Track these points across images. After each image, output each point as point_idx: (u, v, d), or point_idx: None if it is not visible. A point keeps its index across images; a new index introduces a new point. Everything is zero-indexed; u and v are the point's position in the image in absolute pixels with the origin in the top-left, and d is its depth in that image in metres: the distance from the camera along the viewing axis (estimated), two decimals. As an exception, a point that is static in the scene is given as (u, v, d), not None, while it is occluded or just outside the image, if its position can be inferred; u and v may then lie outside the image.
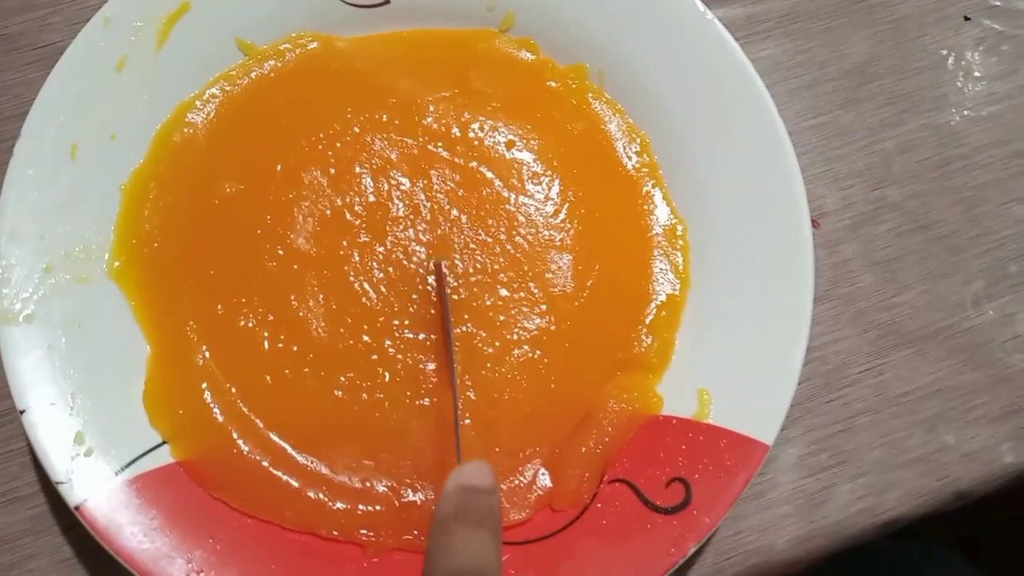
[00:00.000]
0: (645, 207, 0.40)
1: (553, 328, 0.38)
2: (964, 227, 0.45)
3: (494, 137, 0.40)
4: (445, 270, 0.37)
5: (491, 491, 0.29)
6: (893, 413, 0.42)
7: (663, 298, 0.39)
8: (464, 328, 0.38)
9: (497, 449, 0.37)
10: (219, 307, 0.38)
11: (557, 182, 0.40)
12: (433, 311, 0.38)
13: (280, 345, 0.37)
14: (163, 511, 0.35)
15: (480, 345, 0.38)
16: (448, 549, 0.27)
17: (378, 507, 0.36)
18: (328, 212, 0.39)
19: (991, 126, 0.47)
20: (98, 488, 0.34)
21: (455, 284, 0.39)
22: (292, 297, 0.38)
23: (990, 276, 0.44)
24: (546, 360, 0.38)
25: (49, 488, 0.39)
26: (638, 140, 0.41)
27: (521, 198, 0.40)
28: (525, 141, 0.41)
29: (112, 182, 0.38)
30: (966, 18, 0.48)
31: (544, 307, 0.38)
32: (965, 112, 0.47)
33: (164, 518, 0.35)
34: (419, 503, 0.36)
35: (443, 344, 0.37)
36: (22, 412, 0.35)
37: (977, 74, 0.48)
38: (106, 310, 0.37)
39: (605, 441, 0.36)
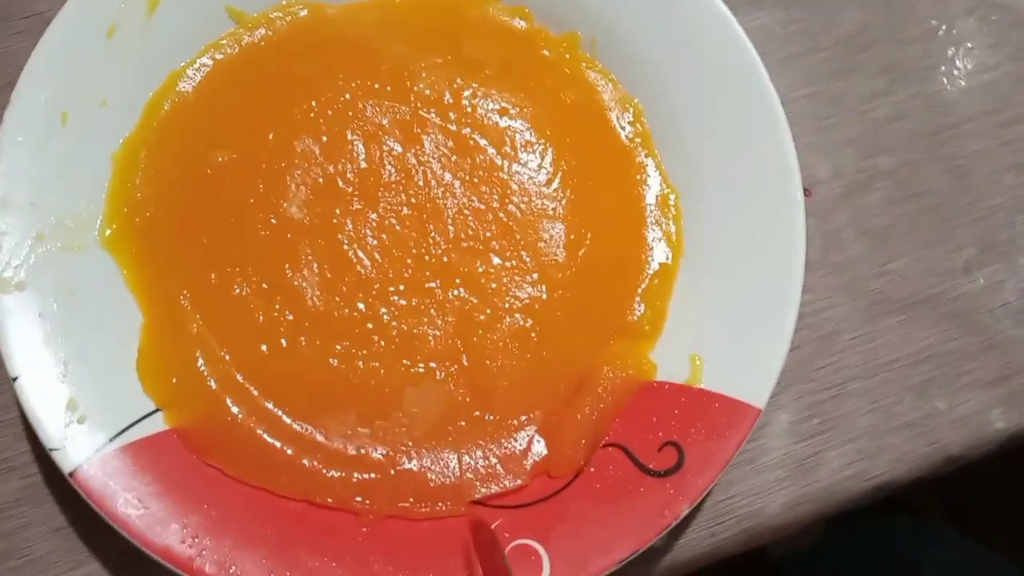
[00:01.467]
0: (638, 176, 0.40)
1: (545, 297, 0.38)
2: (955, 195, 0.45)
3: (487, 104, 0.40)
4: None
5: None
6: (884, 379, 0.43)
7: (656, 267, 0.39)
8: (456, 292, 0.38)
9: (489, 416, 0.37)
10: (212, 276, 0.38)
11: (550, 151, 0.40)
12: (428, 272, 0.38)
13: (275, 314, 0.37)
14: (157, 477, 0.35)
15: (472, 312, 0.38)
16: None
17: (373, 475, 0.36)
18: (321, 180, 0.39)
19: (981, 95, 0.47)
20: (92, 455, 0.34)
21: (446, 247, 0.39)
22: (286, 266, 0.38)
23: (980, 244, 0.45)
24: (538, 328, 0.38)
25: (43, 458, 0.39)
26: (631, 109, 0.41)
27: (514, 166, 0.40)
28: (518, 109, 0.41)
29: (103, 150, 0.38)
30: (957, -13, 0.48)
31: (536, 276, 0.38)
32: (956, 81, 0.47)
33: (159, 484, 0.35)
34: (414, 470, 0.36)
35: None
36: (14, 379, 0.35)
37: (968, 44, 0.48)
38: (98, 278, 0.37)
39: (600, 408, 0.36)
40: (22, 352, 0.35)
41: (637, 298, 0.39)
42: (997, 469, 0.46)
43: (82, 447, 0.34)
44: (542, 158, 0.40)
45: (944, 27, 0.48)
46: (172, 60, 0.39)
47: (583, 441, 0.36)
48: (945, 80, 0.47)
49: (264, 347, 0.37)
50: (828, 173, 0.45)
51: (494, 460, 0.36)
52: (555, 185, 0.40)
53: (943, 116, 0.46)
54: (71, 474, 0.34)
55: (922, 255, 0.44)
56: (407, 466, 0.36)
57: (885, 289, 0.44)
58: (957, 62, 0.47)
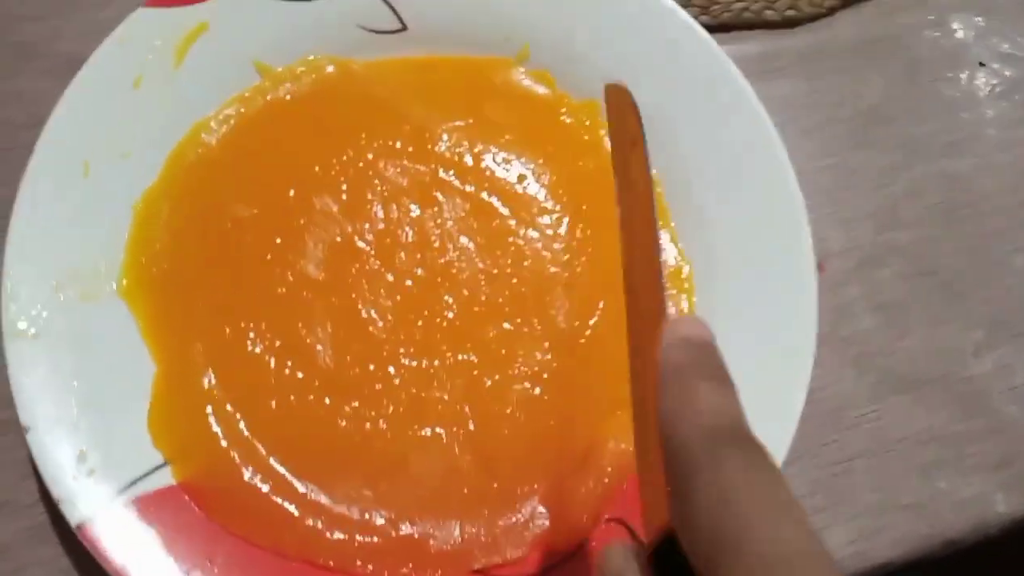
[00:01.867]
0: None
1: (555, 365, 0.38)
2: (968, 274, 0.45)
3: (506, 169, 0.41)
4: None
5: (715, 346, 0.25)
6: (889, 458, 0.43)
7: (667, 340, 0.39)
8: (465, 357, 0.39)
9: (496, 484, 0.37)
10: (227, 330, 0.38)
11: (566, 219, 0.40)
12: (439, 335, 0.39)
13: (286, 371, 0.38)
14: (164, 531, 0.35)
15: (481, 377, 0.38)
16: (694, 405, 0.23)
17: (375, 538, 0.36)
18: (338, 239, 0.39)
19: (1001, 173, 0.47)
20: (100, 508, 0.35)
21: (458, 310, 0.39)
22: (300, 324, 0.38)
23: (991, 325, 0.45)
24: (546, 397, 0.38)
25: (50, 498, 0.39)
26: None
27: (530, 232, 0.40)
28: (536, 175, 0.41)
29: (124, 200, 0.38)
30: (981, 64, 0.49)
31: (546, 344, 0.39)
32: (975, 158, 0.47)
33: (163, 538, 0.35)
34: (416, 536, 0.36)
35: None
36: (27, 430, 0.35)
37: (989, 120, 0.48)
38: (113, 329, 0.37)
39: (604, 483, 0.37)
40: (35, 402, 0.35)
41: None
42: (997, 553, 0.46)
43: (91, 500, 0.35)
44: (558, 225, 0.40)
45: (965, 103, 0.48)
46: (197, 112, 0.40)
47: (585, 516, 0.36)
48: (964, 157, 0.47)
49: (274, 404, 0.37)
50: (843, 246, 0.45)
51: (496, 529, 0.37)
52: (569, 254, 0.40)
53: (961, 193, 0.47)
54: (78, 526, 0.34)
55: (933, 333, 0.44)
56: (409, 531, 0.37)
57: (894, 367, 0.44)
58: (978, 139, 0.47)
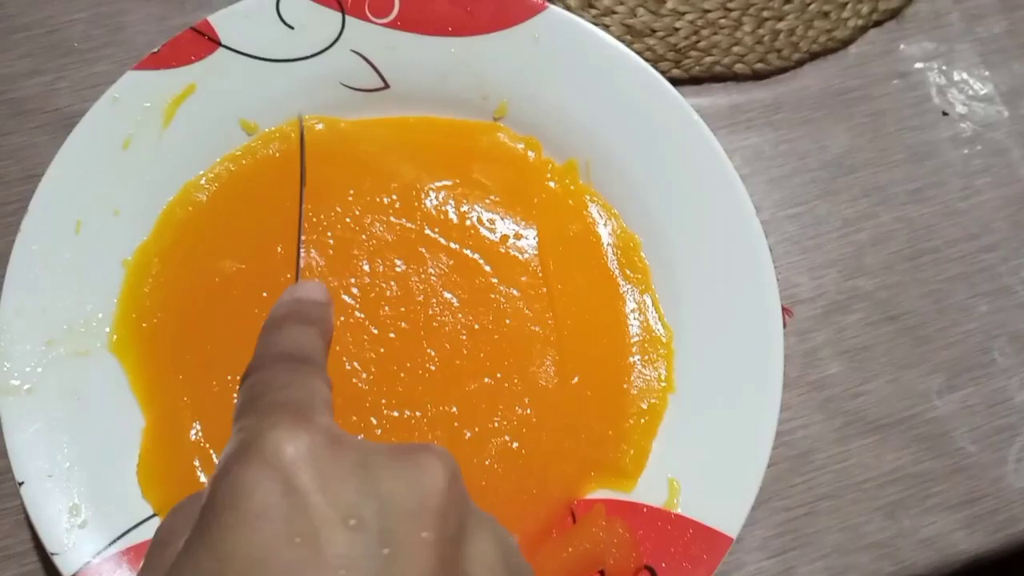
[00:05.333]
0: (634, 312, 0.42)
1: (534, 420, 0.40)
2: (932, 319, 0.47)
3: (491, 229, 0.42)
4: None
5: (324, 304, 0.33)
6: (854, 499, 0.44)
7: (644, 405, 0.40)
8: (446, 409, 0.40)
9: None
10: (214, 383, 0.39)
11: (548, 279, 0.41)
12: (421, 387, 0.40)
13: (271, 423, 0.39)
14: (152, 581, 0.36)
15: (461, 429, 0.40)
16: (276, 339, 0.30)
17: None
18: (323, 293, 0.40)
19: (962, 220, 0.49)
20: (91, 559, 0.36)
21: (440, 364, 0.40)
22: (284, 377, 0.39)
23: (954, 368, 0.47)
24: (524, 451, 0.39)
25: (42, 547, 0.40)
26: (631, 245, 0.42)
27: (512, 291, 0.41)
28: (520, 236, 0.42)
29: (114, 257, 0.40)
30: (944, 113, 0.50)
31: (526, 400, 0.40)
32: (938, 206, 0.49)
33: (153, 588, 0.36)
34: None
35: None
36: (20, 484, 0.36)
37: (951, 169, 0.50)
38: (104, 383, 0.39)
39: (576, 559, 0.38)
40: (28, 457, 0.36)
41: (623, 443, 0.40)
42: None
43: (82, 551, 0.36)
44: (540, 286, 0.41)
45: (929, 152, 0.50)
46: (186, 171, 0.41)
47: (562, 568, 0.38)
48: (928, 205, 0.49)
49: (260, 455, 0.38)
50: (810, 292, 0.47)
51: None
52: (550, 314, 0.41)
53: (924, 240, 0.48)
54: (70, 578, 0.35)
55: (897, 377, 0.46)
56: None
57: (860, 409, 0.46)
58: (940, 187, 0.49)
